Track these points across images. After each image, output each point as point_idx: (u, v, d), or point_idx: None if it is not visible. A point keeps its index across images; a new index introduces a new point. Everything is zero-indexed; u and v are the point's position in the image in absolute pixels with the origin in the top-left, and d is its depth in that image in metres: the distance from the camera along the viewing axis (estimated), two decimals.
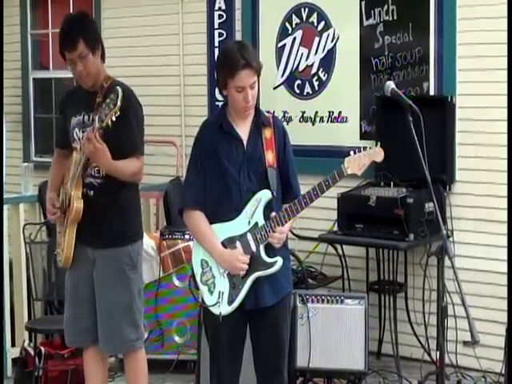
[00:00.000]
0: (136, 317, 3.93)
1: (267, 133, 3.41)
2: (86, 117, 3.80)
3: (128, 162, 3.73)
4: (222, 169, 3.36)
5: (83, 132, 3.77)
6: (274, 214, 3.31)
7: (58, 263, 4.01)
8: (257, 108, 3.45)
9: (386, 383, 4.64)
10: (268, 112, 3.61)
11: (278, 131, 3.45)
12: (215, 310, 3.35)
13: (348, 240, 5.09)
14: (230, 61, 3.30)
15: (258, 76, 3.36)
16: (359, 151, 3.32)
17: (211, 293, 3.36)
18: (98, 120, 3.57)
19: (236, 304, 3.33)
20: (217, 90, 5.93)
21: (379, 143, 3.37)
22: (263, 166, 3.37)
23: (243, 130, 3.42)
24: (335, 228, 5.13)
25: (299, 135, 5.33)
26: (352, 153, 3.33)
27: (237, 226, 3.35)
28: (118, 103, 3.47)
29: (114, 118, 3.50)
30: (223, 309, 3.33)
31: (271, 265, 3.33)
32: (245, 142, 3.40)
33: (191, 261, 3.37)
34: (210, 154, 3.38)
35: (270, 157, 3.38)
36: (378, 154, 3.33)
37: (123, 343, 3.89)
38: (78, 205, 3.74)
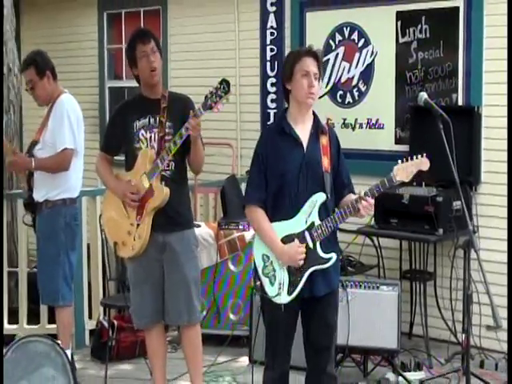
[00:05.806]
0: (199, 291, 4.01)
1: (324, 140, 3.36)
2: (152, 119, 3.86)
3: None
4: (282, 169, 3.30)
5: (150, 132, 3.85)
6: (337, 211, 3.29)
7: (121, 253, 3.95)
8: (315, 114, 3.41)
9: (417, 361, 4.62)
10: None
11: (333, 139, 3.41)
12: (277, 300, 3.30)
13: (384, 233, 5.10)
14: (296, 51, 3.49)
15: (320, 71, 3.30)
16: (406, 160, 3.20)
17: (272, 284, 3.31)
18: (202, 108, 3.59)
19: (295, 294, 3.28)
20: (269, 98, 6.11)
21: (425, 154, 3.23)
22: (321, 170, 3.31)
23: (303, 134, 3.36)
24: (372, 222, 5.14)
25: (341, 140, 5.20)
26: (400, 161, 3.21)
27: (295, 225, 3.30)
28: (231, 90, 3.48)
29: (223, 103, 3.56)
30: (283, 298, 3.29)
31: (327, 260, 3.29)
32: (305, 145, 3.35)
33: (245, 248, 3.38)
34: (271, 154, 3.33)
35: (325, 162, 3.32)
36: (424, 163, 3.21)
37: (194, 314, 3.92)
38: (167, 190, 3.78)
